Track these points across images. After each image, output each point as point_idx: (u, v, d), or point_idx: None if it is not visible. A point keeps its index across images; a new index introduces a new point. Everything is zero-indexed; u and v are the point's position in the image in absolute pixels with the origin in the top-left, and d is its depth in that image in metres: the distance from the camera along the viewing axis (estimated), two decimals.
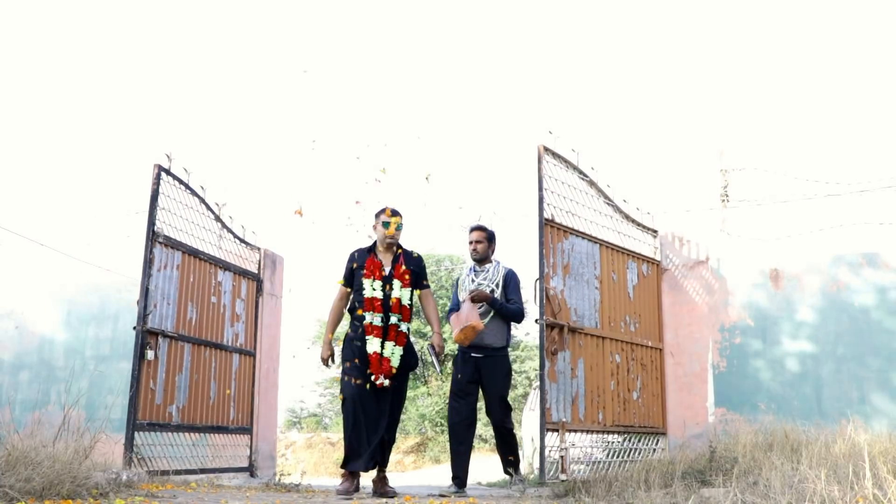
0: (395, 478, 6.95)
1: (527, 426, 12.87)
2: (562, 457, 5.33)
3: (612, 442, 6.16)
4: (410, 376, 5.78)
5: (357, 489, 5.07)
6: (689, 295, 6.78)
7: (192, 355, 6.35)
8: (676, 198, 6.99)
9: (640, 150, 7.37)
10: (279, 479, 6.59)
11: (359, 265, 5.34)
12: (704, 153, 6.97)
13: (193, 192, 6.52)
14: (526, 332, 23.96)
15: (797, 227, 6.51)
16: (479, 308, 5.42)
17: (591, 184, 6.26)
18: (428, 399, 21.69)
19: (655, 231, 6.95)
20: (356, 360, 5.14)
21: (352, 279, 5.38)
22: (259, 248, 7.62)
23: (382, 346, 5.15)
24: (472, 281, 5.65)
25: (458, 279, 5.88)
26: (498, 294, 5.52)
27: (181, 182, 6.33)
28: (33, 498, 3.53)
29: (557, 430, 5.36)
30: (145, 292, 5.78)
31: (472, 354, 5.49)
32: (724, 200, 6.82)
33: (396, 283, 5.26)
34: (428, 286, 5.56)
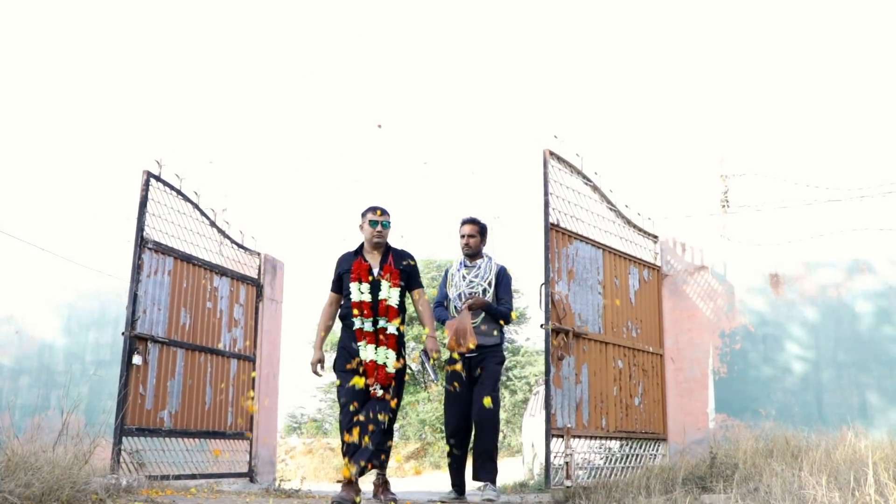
0: (395, 483, 6.92)
1: (527, 432, 12.86)
2: (567, 463, 5.30)
3: (612, 448, 6.15)
4: (409, 380, 5.63)
5: (357, 494, 5.00)
6: (690, 300, 6.78)
7: (185, 360, 6.34)
8: (677, 203, 6.99)
9: (641, 155, 7.37)
10: (279, 485, 6.58)
11: (345, 269, 5.17)
12: (705, 159, 6.98)
13: (186, 198, 6.52)
14: (527, 338, 23.96)
15: (797, 233, 6.51)
16: (474, 312, 5.28)
17: (595, 188, 6.25)
18: (428, 405, 21.67)
19: (656, 236, 6.95)
20: (348, 366, 4.99)
21: (341, 285, 5.22)
22: (259, 254, 7.61)
23: (376, 353, 4.99)
24: (464, 278, 5.46)
25: (447, 271, 5.67)
26: (490, 293, 5.36)
27: (172, 188, 6.34)
28: (33, 503, 3.52)
29: (562, 436, 5.32)
30: (133, 298, 5.79)
31: (467, 356, 5.32)
32: (724, 206, 6.82)
33: (384, 283, 5.07)
34: (421, 286, 5.35)
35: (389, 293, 5.06)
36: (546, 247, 5.47)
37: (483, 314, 5.31)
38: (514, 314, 5.52)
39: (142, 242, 5.91)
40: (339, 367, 5.05)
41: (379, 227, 5.11)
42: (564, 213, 5.79)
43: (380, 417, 4.87)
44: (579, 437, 5.53)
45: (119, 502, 4.03)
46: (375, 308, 5.03)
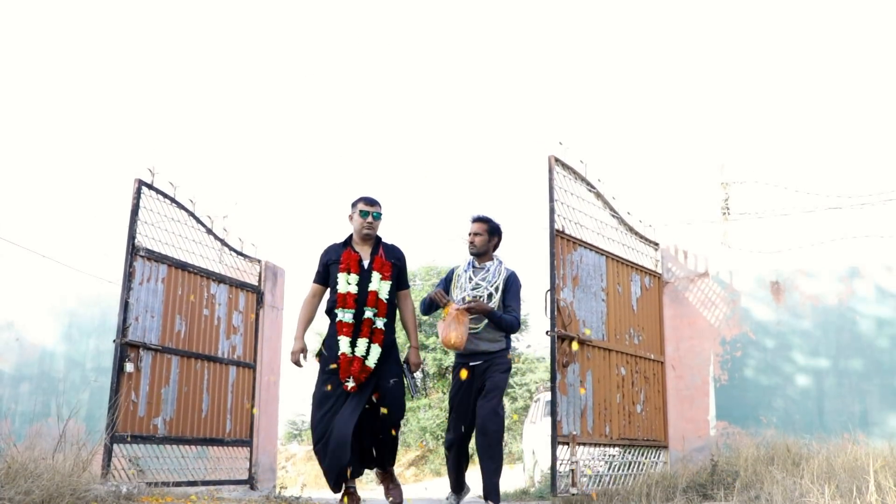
0: None
1: (527, 439, 12.85)
2: (572, 470, 5.27)
3: (614, 455, 6.15)
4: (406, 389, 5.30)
5: (357, 502, 4.88)
6: (691, 308, 6.77)
7: (180, 368, 6.34)
8: (678, 210, 7.00)
9: (642, 162, 7.38)
10: (279, 492, 6.56)
11: (334, 259, 4.94)
12: (705, 166, 6.98)
13: (181, 206, 6.53)
14: (527, 345, 23.92)
15: (798, 240, 6.51)
16: (473, 315, 4.96)
17: (598, 195, 6.25)
18: (429, 412, 21.64)
19: (657, 244, 6.95)
20: (330, 366, 4.78)
21: (326, 276, 4.99)
22: (260, 261, 7.62)
23: (354, 345, 4.74)
24: (470, 280, 5.14)
25: (453, 270, 5.36)
26: (496, 298, 5.04)
27: (166, 196, 6.35)
28: None
29: (568, 444, 5.29)
30: (124, 305, 5.80)
31: (471, 363, 5.04)
32: (724, 213, 6.82)
33: (375, 275, 4.85)
34: (408, 286, 5.15)
35: (380, 285, 4.87)
36: (552, 253, 5.43)
37: (485, 321, 5.01)
38: (520, 324, 5.27)
39: (133, 250, 5.92)
40: (321, 367, 4.88)
41: (370, 218, 4.92)
42: (569, 220, 5.76)
43: (391, 433, 4.86)
44: (584, 444, 5.51)
45: None
46: (361, 301, 4.80)
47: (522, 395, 20.81)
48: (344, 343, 4.73)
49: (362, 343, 4.74)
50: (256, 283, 7.51)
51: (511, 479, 12.31)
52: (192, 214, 6.67)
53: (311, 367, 5.06)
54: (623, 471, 5.96)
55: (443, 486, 13.86)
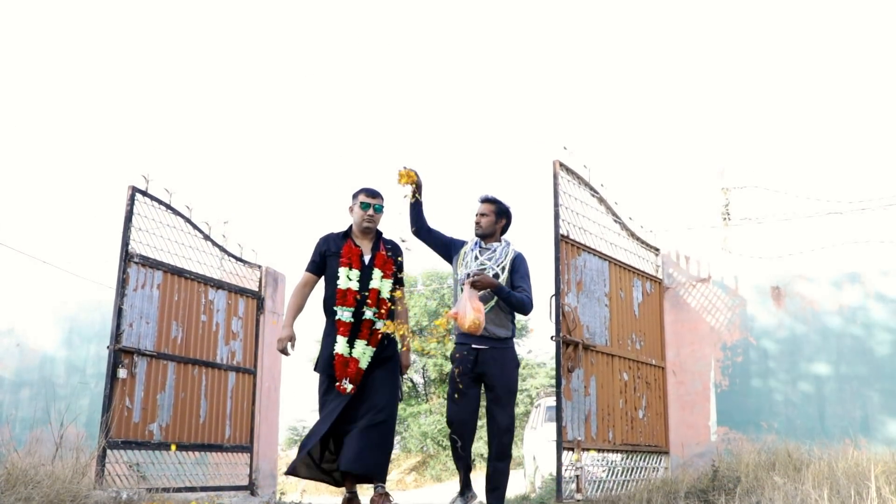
0: (396, 496, 6.87)
1: (528, 444, 12.83)
2: (577, 476, 5.25)
3: (614, 461, 6.14)
4: (410, 391, 5.14)
5: None
6: (691, 313, 6.77)
7: (177, 374, 6.35)
8: (678, 215, 7.00)
9: (642, 167, 7.38)
10: (279, 498, 6.56)
11: (333, 251, 4.66)
12: (705, 171, 6.98)
13: (177, 213, 6.53)
14: (528, 350, 23.91)
15: (799, 246, 6.51)
16: (480, 293, 4.65)
17: (601, 200, 6.25)
18: (430, 417, 21.61)
19: (657, 249, 6.95)
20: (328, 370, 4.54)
21: (322, 266, 4.70)
22: (260, 266, 7.62)
23: (352, 346, 4.50)
24: (476, 259, 4.85)
25: (462, 250, 5.02)
26: (503, 279, 4.74)
27: (161, 202, 6.36)
28: None
29: (573, 449, 5.27)
30: (118, 312, 5.81)
31: (475, 346, 4.70)
32: (725, 218, 6.82)
33: (377, 272, 4.60)
34: (403, 284, 4.86)
35: (381, 284, 4.62)
36: (556, 258, 5.42)
37: (494, 300, 4.70)
38: (532, 305, 4.83)
39: (127, 257, 5.94)
40: (321, 368, 4.62)
41: (371, 211, 4.67)
42: (573, 225, 5.75)
43: (377, 425, 4.45)
44: (589, 449, 5.50)
45: None
46: (362, 299, 4.55)
47: (523, 401, 20.78)
48: (341, 343, 4.50)
49: (360, 344, 4.52)
50: (257, 289, 7.51)
51: (511, 485, 12.28)
52: (188, 220, 6.68)
53: (306, 366, 4.88)
54: (624, 476, 5.95)
55: (444, 491, 13.83)
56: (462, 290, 4.63)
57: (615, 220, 6.44)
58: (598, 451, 5.66)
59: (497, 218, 4.94)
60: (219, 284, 6.93)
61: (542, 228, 5.69)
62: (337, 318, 4.55)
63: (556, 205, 5.49)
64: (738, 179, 6.84)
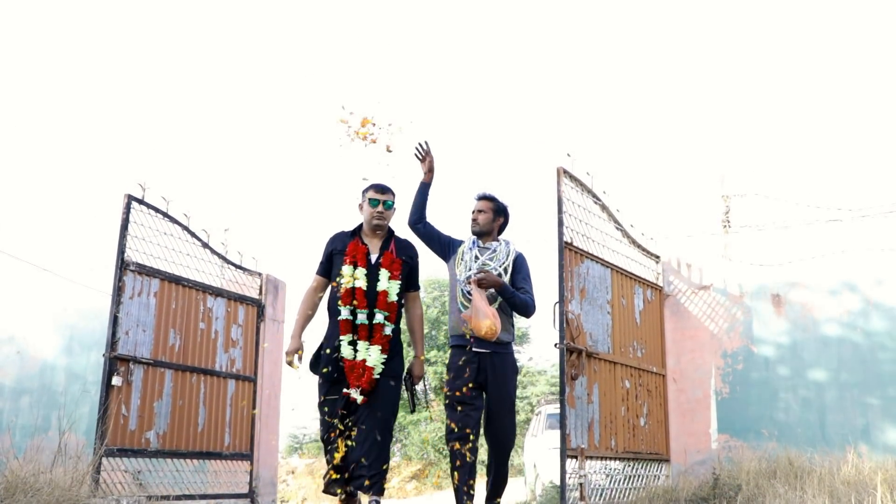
0: None
1: (529, 452, 12.80)
2: (581, 484, 5.23)
3: (616, 469, 6.12)
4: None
5: None
6: (692, 321, 6.76)
7: (174, 381, 6.34)
8: (678, 223, 7.01)
9: (643, 174, 7.41)
10: None
11: (339, 249, 4.45)
12: (706, 178, 6.99)
13: (174, 220, 6.54)
14: (529, 357, 23.86)
15: (799, 253, 6.50)
16: (486, 293, 4.54)
17: (604, 208, 6.24)
18: (430, 424, 21.57)
19: (658, 256, 6.95)
20: (325, 370, 4.34)
21: (330, 267, 4.48)
22: (260, 274, 7.62)
23: (355, 348, 4.29)
24: (476, 259, 4.71)
25: (460, 249, 4.91)
26: (505, 280, 4.64)
27: (158, 210, 6.36)
28: None
29: (577, 457, 5.25)
30: (114, 319, 5.80)
31: (476, 349, 4.55)
32: (725, 226, 6.83)
33: (384, 273, 4.36)
34: (418, 288, 4.65)
35: (389, 285, 4.39)
36: (560, 265, 5.39)
37: (497, 301, 4.59)
38: (535, 307, 4.77)
39: (122, 265, 5.94)
40: (319, 370, 4.42)
41: (380, 208, 4.43)
42: (577, 232, 5.73)
43: (376, 437, 4.25)
44: (592, 457, 5.47)
45: None
46: (370, 301, 4.31)
47: (524, 408, 20.73)
48: (344, 344, 4.29)
49: (374, 350, 4.30)
50: (257, 297, 7.51)
51: (512, 493, 12.25)
52: (185, 228, 6.68)
53: (309, 374, 4.67)
54: (626, 485, 5.94)
55: (444, 499, 13.79)
56: (461, 289, 4.57)
57: (617, 228, 6.43)
58: (601, 458, 5.64)
59: (495, 216, 4.86)
60: (217, 292, 6.93)
61: (543, 234, 5.66)
62: (343, 318, 4.31)
63: (560, 212, 5.46)
64: (738, 187, 6.86)
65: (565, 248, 5.45)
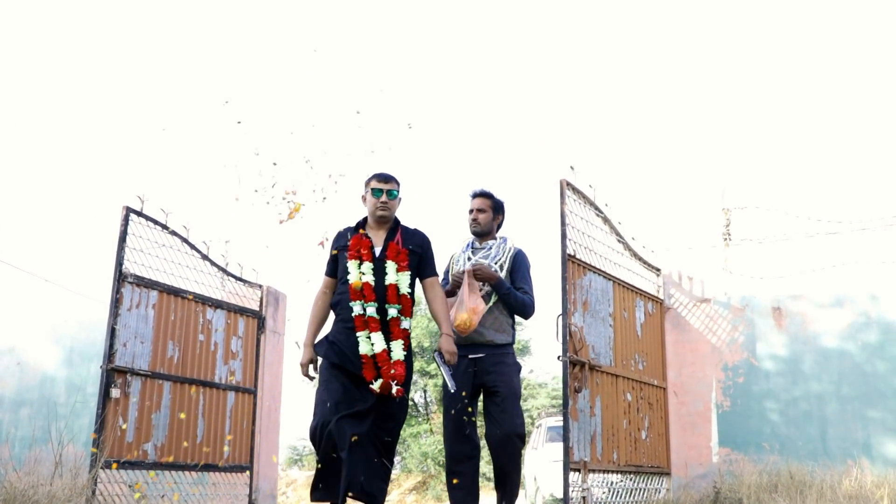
0: None
1: (529, 465, 12.76)
2: (584, 497, 5.20)
3: (616, 482, 6.10)
4: (410, 410, 4.72)
5: None
6: (692, 333, 6.75)
7: (173, 393, 6.33)
8: (679, 236, 7.00)
9: (643, 187, 7.41)
10: None
11: (342, 246, 4.24)
12: (706, 191, 7.00)
13: (173, 232, 6.54)
14: (530, 370, 23.81)
15: (800, 266, 6.50)
16: (481, 290, 4.41)
17: (606, 220, 6.24)
18: (430, 437, 21.50)
19: (659, 269, 6.95)
20: (330, 360, 4.07)
21: (336, 267, 4.27)
22: (261, 286, 7.62)
23: (389, 345, 4.05)
24: (469, 259, 4.60)
25: (452, 256, 4.85)
26: (501, 276, 4.54)
27: (156, 222, 6.36)
28: None
29: (579, 470, 5.22)
30: (111, 331, 5.79)
31: (470, 356, 4.40)
32: (725, 239, 6.83)
33: (390, 265, 4.12)
34: (435, 273, 4.34)
35: (398, 277, 4.14)
36: (563, 278, 5.37)
37: (493, 300, 4.47)
38: (534, 308, 4.65)
39: (120, 277, 5.94)
40: (324, 363, 4.16)
41: (384, 198, 4.19)
42: (579, 245, 5.72)
43: (385, 439, 4.03)
44: (594, 470, 5.45)
45: None
46: (380, 296, 4.09)
47: (525, 420, 20.69)
48: (366, 340, 4.04)
49: (396, 345, 4.06)
50: (257, 309, 7.50)
51: None
52: (184, 240, 6.68)
53: (309, 385, 4.46)
54: (627, 498, 5.91)
55: None
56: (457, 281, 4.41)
57: (619, 240, 6.43)
58: (604, 472, 5.62)
59: (494, 213, 4.76)
60: (217, 304, 6.92)
61: (545, 246, 5.64)
62: (356, 314, 4.06)
63: (563, 224, 5.45)
64: (738, 200, 6.86)
65: (568, 260, 5.44)
